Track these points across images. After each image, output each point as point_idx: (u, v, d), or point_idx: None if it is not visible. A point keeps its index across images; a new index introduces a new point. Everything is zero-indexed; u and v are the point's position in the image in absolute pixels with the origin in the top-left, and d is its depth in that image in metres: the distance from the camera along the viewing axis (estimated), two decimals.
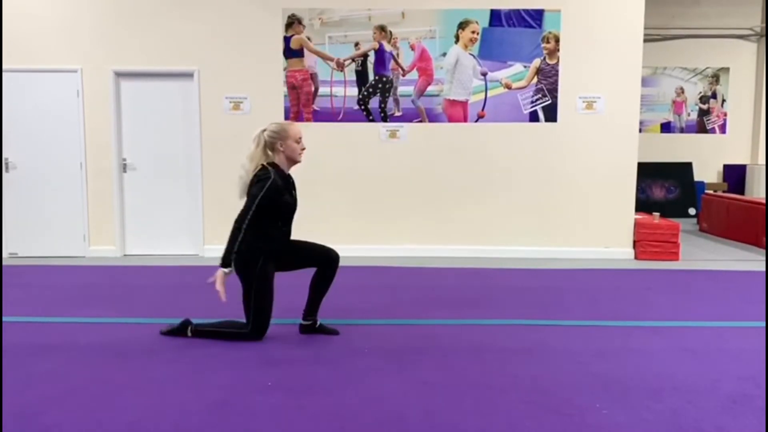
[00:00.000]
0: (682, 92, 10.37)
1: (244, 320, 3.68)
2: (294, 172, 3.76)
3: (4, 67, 6.33)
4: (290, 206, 3.64)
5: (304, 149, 3.68)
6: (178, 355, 3.48)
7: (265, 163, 3.55)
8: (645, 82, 8.98)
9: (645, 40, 6.58)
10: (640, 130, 7.10)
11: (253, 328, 3.63)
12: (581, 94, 6.46)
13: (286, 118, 6.37)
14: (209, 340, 3.69)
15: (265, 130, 3.59)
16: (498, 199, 6.57)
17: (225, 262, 3.45)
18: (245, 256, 3.54)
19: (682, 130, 10.45)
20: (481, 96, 6.51)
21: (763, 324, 4.07)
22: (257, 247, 3.55)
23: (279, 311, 4.12)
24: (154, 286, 5.24)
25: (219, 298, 3.45)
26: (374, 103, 6.51)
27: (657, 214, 6.83)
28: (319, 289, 3.77)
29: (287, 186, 3.61)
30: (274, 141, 3.56)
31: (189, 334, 3.74)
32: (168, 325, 3.82)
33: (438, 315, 4.31)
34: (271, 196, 3.47)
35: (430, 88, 6.51)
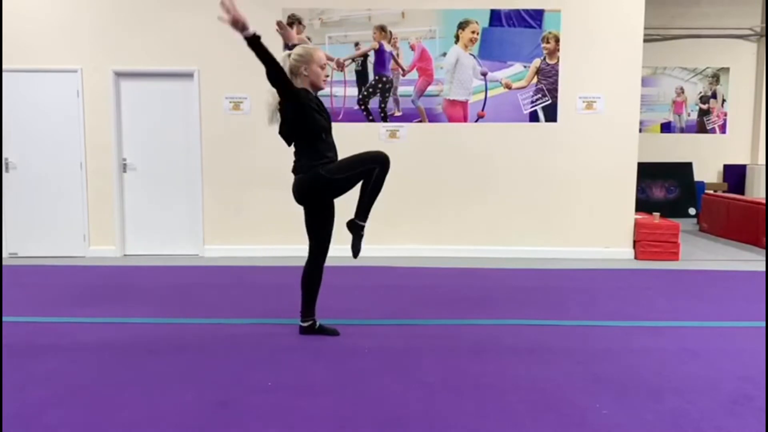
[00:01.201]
0: (682, 92, 10.36)
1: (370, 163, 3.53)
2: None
3: (4, 67, 6.33)
4: (325, 120, 3.53)
5: (328, 76, 3.62)
6: (178, 355, 3.48)
7: None
8: (645, 82, 8.97)
9: (645, 40, 6.58)
10: (640, 130, 7.10)
11: (316, 250, 3.64)
12: (581, 94, 6.46)
13: None
14: (210, 340, 3.68)
15: (290, 55, 3.53)
16: (498, 199, 6.57)
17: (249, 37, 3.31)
18: (308, 180, 3.48)
19: (682, 130, 10.45)
20: (481, 96, 6.51)
21: (763, 324, 4.07)
22: (315, 165, 3.46)
23: (278, 311, 4.13)
24: (154, 286, 5.24)
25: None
26: (374, 103, 6.51)
27: (657, 214, 6.83)
28: (309, 288, 3.70)
29: (319, 105, 3.53)
30: (299, 65, 3.50)
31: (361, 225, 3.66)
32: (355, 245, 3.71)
33: (438, 315, 4.31)
34: (304, 101, 3.39)
35: (430, 88, 6.51)
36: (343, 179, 3.51)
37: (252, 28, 3.22)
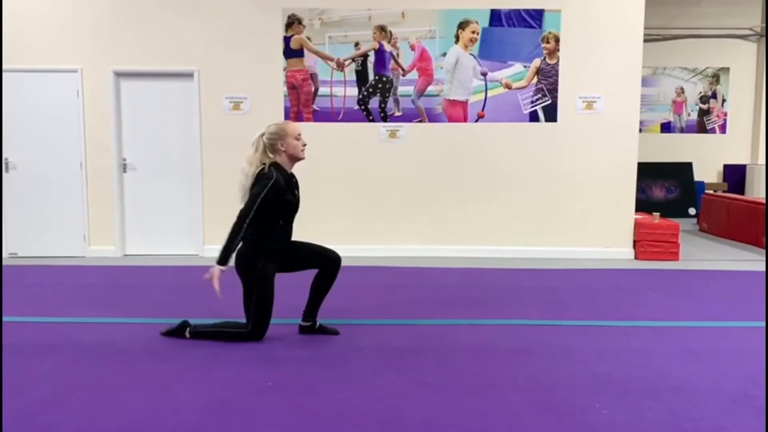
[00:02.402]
0: (682, 92, 10.36)
1: (243, 320, 3.67)
2: (294, 171, 3.75)
3: (4, 67, 6.33)
4: (292, 205, 3.63)
5: (305, 145, 3.67)
6: (178, 355, 3.48)
7: (266, 164, 3.54)
8: (645, 82, 8.97)
9: (645, 40, 6.58)
10: (640, 130, 7.10)
11: (253, 328, 3.63)
12: (581, 94, 6.46)
13: (286, 118, 6.37)
14: (209, 341, 3.69)
15: (263, 134, 3.59)
16: (498, 199, 6.57)
17: (223, 259, 3.42)
18: (247, 256, 3.55)
19: (682, 130, 10.45)
20: (481, 96, 6.51)
21: (763, 324, 4.07)
22: (259, 246, 3.55)
23: (279, 311, 4.12)
24: (154, 286, 5.24)
25: (216, 297, 3.44)
26: (374, 103, 6.51)
27: (657, 214, 6.83)
28: (319, 290, 3.77)
29: (290, 186, 3.61)
30: (274, 142, 3.56)
31: (187, 335, 3.73)
32: (167, 326, 3.82)
33: (438, 315, 4.31)
34: (273, 195, 3.46)
35: (430, 88, 6.51)
36: (254, 294, 3.58)
37: (223, 266, 3.42)
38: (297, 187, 3.71)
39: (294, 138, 3.58)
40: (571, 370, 3.26)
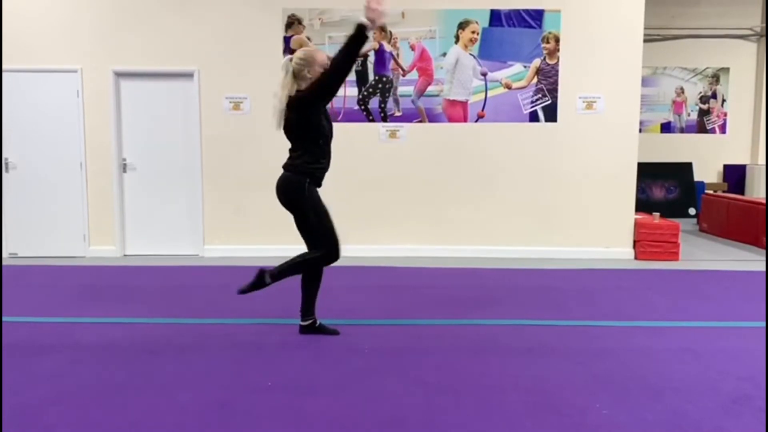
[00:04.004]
0: (682, 92, 10.36)
1: (311, 251, 3.59)
2: None
3: (4, 67, 6.33)
4: (328, 129, 3.58)
5: None
6: (178, 355, 3.48)
7: (297, 90, 3.49)
8: (645, 82, 8.97)
9: (645, 40, 6.58)
10: (640, 130, 7.10)
11: (328, 248, 3.56)
12: (581, 94, 6.46)
13: None
14: (210, 340, 3.68)
15: (291, 59, 3.53)
16: (498, 199, 6.57)
17: (359, 31, 3.26)
18: (292, 180, 3.50)
19: (682, 130, 10.44)
20: (481, 96, 6.51)
21: (763, 324, 4.07)
22: (304, 168, 3.50)
23: (279, 311, 4.13)
24: (154, 286, 5.24)
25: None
26: (374, 103, 6.51)
27: (657, 214, 6.83)
28: (310, 287, 3.73)
29: (325, 111, 3.58)
30: (301, 68, 3.49)
31: (268, 280, 3.60)
32: (244, 284, 3.66)
33: (438, 315, 4.31)
34: (319, 111, 3.43)
35: (430, 88, 6.51)
36: (313, 219, 3.52)
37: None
38: (329, 115, 3.67)
39: (321, 67, 3.50)
40: (571, 370, 3.26)
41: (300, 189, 3.50)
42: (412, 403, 2.85)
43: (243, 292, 3.63)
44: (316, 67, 3.50)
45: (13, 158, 6.47)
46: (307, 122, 3.46)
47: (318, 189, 3.63)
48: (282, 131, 3.57)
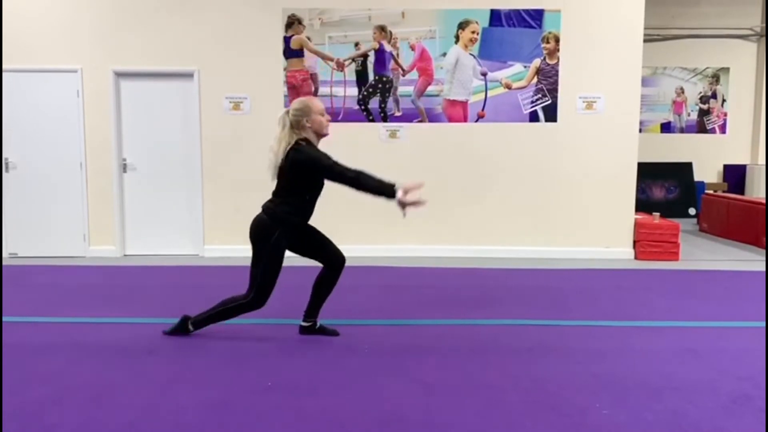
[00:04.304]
0: (682, 92, 10.36)
1: (238, 294, 3.63)
2: None
3: (4, 67, 6.33)
4: (319, 187, 3.61)
5: (330, 120, 3.67)
6: (178, 355, 3.48)
7: (297, 139, 3.49)
8: (645, 82, 8.97)
9: (645, 40, 6.58)
10: (640, 130, 7.09)
11: (255, 297, 3.57)
12: (581, 94, 6.46)
13: None
14: (210, 340, 3.68)
15: (288, 111, 3.55)
16: (498, 199, 6.57)
17: (389, 190, 3.32)
18: (266, 224, 3.50)
19: (682, 130, 10.45)
20: (481, 96, 6.51)
21: (763, 324, 4.07)
22: (281, 217, 3.50)
23: (279, 311, 4.13)
24: (154, 286, 5.24)
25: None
26: (374, 103, 6.51)
27: (657, 214, 6.83)
28: (321, 291, 3.75)
29: None
30: (299, 118, 3.51)
31: (190, 328, 3.74)
32: (170, 326, 3.82)
33: (438, 315, 4.31)
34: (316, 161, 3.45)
35: (430, 88, 6.51)
36: (264, 265, 3.53)
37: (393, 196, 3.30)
38: None
39: (318, 114, 3.55)
40: (571, 370, 3.26)
41: (268, 236, 3.49)
42: (412, 403, 2.85)
43: (167, 333, 3.79)
44: (313, 116, 3.53)
45: (14, 158, 6.47)
46: (303, 178, 3.47)
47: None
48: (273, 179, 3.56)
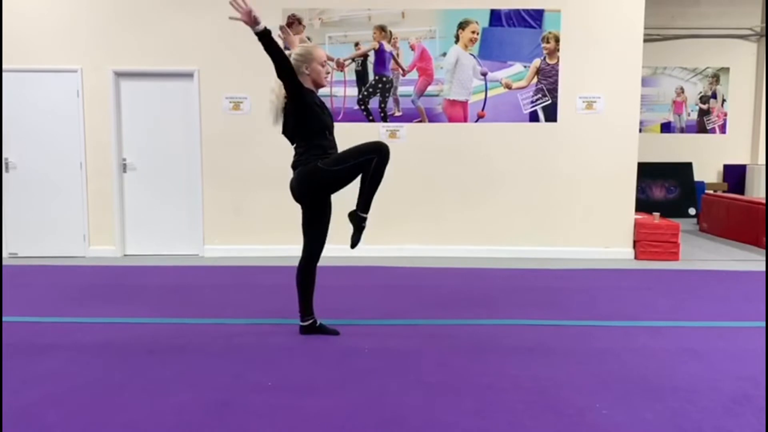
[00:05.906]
0: (682, 92, 10.36)
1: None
2: None
3: (4, 67, 6.33)
4: (328, 120, 3.59)
5: (329, 73, 3.66)
6: (177, 355, 3.47)
7: None
8: (645, 82, 8.97)
9: (645, 40, 6.58)
10: (640, 130, 7.10)
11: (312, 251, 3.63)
12: (581, 94, 6.46)
13: None
14: (210, 340, 3.68)
15: (290, 55, 3.53)
16: (498, 199, 6.57)
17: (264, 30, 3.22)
18: (307, 170, 3.49)
19: (682, 130, 10.45)
20: (481, 96, 6.51)
21: (763, 324, 4.07)
22: (312, 159, 3.49)
23: (279, 311, 4.13)
24: (154, 286, 5.24)
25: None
26: (374, 103, 6.51)
27: (657, 214, 6.83)
28: (305, 286, 3.70)
29: (322, 104, 3.58)
30: (300, 64, 3.50)
31: (364, 216, 3.66)
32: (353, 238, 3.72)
33: (438, 315, 4.31)
34: (308, 100, 3.42)
35: (430, 88, 6.51)
36: (342, 170, 3.50)
37: (263, 23, 3.22)
38: (327, 108, 3.66)
39: (319, 64, 3.53)
40: (571, 370, 3.26)
41: (315, 171, 3.47)
42: (412, 403, 2.85)
43: (353, 245, 3.71)
44: (314, 64, 3.52)
45: (13, 158, 6.47)
46: (307, 114, 3.44)
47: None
48: (279, 129, 3.57)
